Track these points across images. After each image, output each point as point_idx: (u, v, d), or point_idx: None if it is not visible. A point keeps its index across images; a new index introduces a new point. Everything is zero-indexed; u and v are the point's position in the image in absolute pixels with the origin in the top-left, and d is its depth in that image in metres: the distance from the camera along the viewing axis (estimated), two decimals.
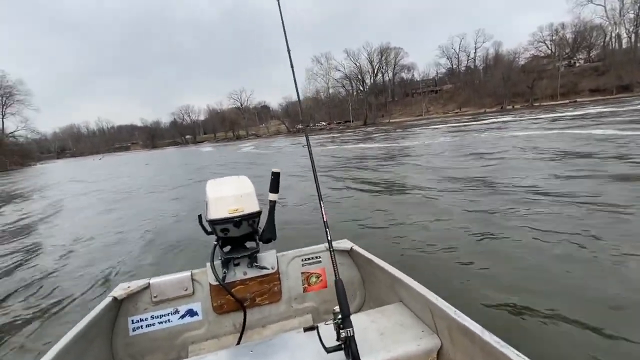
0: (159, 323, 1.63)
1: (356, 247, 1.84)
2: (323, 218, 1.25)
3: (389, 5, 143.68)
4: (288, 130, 77.40)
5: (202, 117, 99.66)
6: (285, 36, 1.70)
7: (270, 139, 52.76)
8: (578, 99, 49.91)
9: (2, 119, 54.51)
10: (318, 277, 1.86)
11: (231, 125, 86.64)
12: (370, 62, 76.01)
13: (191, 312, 1.68)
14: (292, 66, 1.69)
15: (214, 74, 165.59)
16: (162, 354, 1.61)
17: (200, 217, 1.63)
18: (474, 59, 72.04)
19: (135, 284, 1.63)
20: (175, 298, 1.66)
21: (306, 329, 1.15)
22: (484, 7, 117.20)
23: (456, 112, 62.60)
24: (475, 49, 70.55)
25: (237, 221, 1.52)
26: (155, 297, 1.64)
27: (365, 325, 1.30)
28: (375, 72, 77.27)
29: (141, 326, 1.61)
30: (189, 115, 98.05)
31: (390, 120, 66.23)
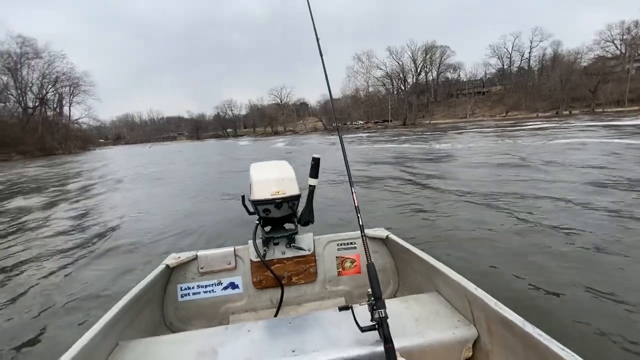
0: (204, 292, 1.78)
1: (392, 236, 1.87)
2: (354, 203, 1.26)
3: (437, 3, 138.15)
4: (325, 127, 77.59)
5: (243, 112, 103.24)
6: (316, 33, 1.75)
7: (306, 136, 53.38)
8: None
9: (70, 107, 60.20)
10: (352, 262, 1.92)
11: (270, 120, 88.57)
12: (414, 61, 73.78)
13: (233, 285, 1.80)
14: (322, 62, 1.74)
15: (257, 70, 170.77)
16: (206, 320, 1.75)
17: (243, 197, 1.73)
18: (529, 60, 67.08)
19: (185, 255, 1.77)
20: (219, 271, 1.80)
21: (341, 308, 1.14)
22: (543, 3, 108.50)
23: (503, 116, 58.76)
24: (531, 49, 65.66)
25: (278, 203, 1.60)
26: (201, 268, 1.78)
27: (399, 310, 1.31)
28: (419, 71, 74.84)
29: (188, 293, 1.76)
30: (231, 110, 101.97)
31: (431, 122, 63.81)
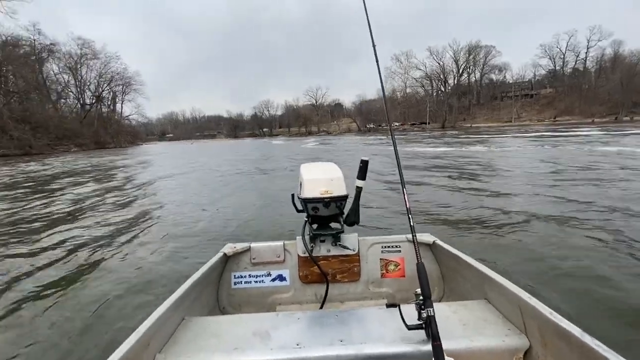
0: (255, 282, 1.87)
1: (439, 242, 1.85)
2: (406, 204, 1.27)
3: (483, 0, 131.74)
4: (359, 128, 77.05)
5: (279, 112, 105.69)
6: (371, 32, 1.77)
7: (339, 137, 53.37)
8: None
9: (122, 104, 65.28)
10: (396, 266, 1.93)
11: (304, 121, 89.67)
12: (456, 61, 70.99)
13: (281, 277, 1.88)
14: (377, 62, 1.74)
15: (294, 71, 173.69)
16: (255, 308, 1.83)
17: (293, 195, 1.82)
18: (585, 60, 61.83)
19: (240, 245, 1.88)
20: (269, 263, 1.88)
21: (388, 306, 1.16)
22: (603, 1, 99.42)
23: (552, 120, 54.66)
24: (588, 49, 60.48)
25: (326, 202, 1.66)
26: (253, 259, 1.88)
27: (446, 314, 1.29)
28: (461, 71, 71.90)
29: (241, 282, 1.86)
30: (267, 110, 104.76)
31: (473, 125, 60.95)
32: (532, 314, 1.13)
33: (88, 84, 59.11)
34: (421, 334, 1.07)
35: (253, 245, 1.89)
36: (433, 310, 1.01)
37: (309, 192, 1.68)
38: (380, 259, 1.93)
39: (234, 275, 1.86)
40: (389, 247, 1.93)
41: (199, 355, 1.11)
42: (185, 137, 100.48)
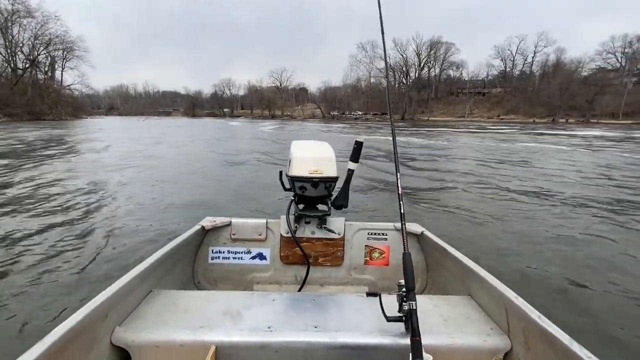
0: (233, 258, 1.84)
1: (427, 232, 1.83)
2: (398, 190, 1.22)
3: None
4: (323, 115, 77.06)
5: (241, 92, 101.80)
6: (381, 18, 1.64)
7: (301, 123, 53.23)
8: None
9: (62, 71, 58.09)
10: (381, 254, 1.90)
11: (268, 103, 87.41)
12: (418, 55, 73.30)
13: (261, 256, 1.85)
14: (384, 49, 1.65)
15: (260, 51, 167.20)
16: (232, 285, 1.80)
17: (281, 173, 1.73)
18: (531, 64, 67.30)
19: (220, 220, 1.82)
20: (250, 240, 1.84)
21: (369, 294, 1.09)
22: (552, 8, 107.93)
23: (501, 119, 59.18)
24: (535, 53, 65.86)
25: (315, 182, 1.60)
26: (233, 234, 1.83)
27: (428, 307, 1.26)
28: (422, 65, 74.48)
29: (219, 257, 1.82)
30: (229, 89, 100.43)
31: (430, 118, 63.89)
32: (517, 314, 1.10)
33: (20, 45, 51.58)
34: (400, 326, 1.04)
35: (234, 220, 1.83)
36: (415, 304, 0.97)
37: (298, 170, 1.61)
38: (366, 245, 1.89)
39: (212, 250, 1.81)
40: (375, 234, 1.89)
41: (161, 330, 1.05)
42: (137, 113, 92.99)
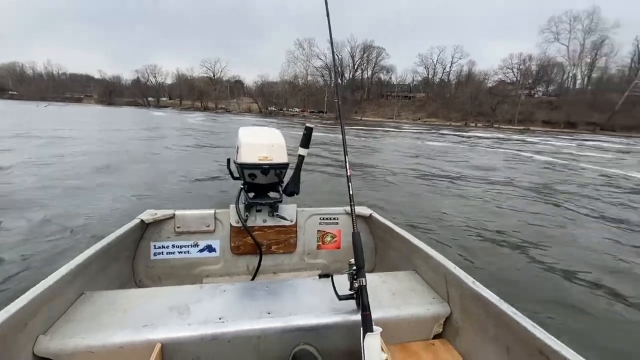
0: (179, 252, 1.74)
1: (375, 215, 1.90)
2: (347, 172, 1.25)
3: (381, 4, 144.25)
4: (260, 110, 75.45)
5: (169, 81, 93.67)
6: (328, 15, 1.59)
7: (236, 117, 51.54)
8: (532, 127, 54.45)
9: None
10: (333, 237, 1.93)
11: (200, 94, 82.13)
12: (352, 57, 76.35)
13: (210, 248, 1.78)
14: (332, 48, 1.64)
15: (191, 38, 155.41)
16: (178, 281, 1.70)
17: (229, 160, 1.68)
18: (449, 73, 75.52)
19: (162, 213, 1.71)
20: (197, 232, 1.76)
21: (321, 276, 1.16)
22: (467, 25, 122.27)
23: (424, 122, 65.22)
24: (452, 64, 73.98)
25: (265, 169, 1.57)
26: (178, 227, 1.73)
27: (376, 284, 1.34)
28: (356, 67, 77.80)
29: (162, 252, 1.71)
30: (154, 76, 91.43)
31: (363, 119, 67.23)
32: (455, 283, 1.20)
33: None
34: (352, 304, 1.08)
35: (178, 212, 1.73)
36: (365, 280, 1.01)
37: (247, 157, 1.56)
38: (318, 230, 1.91)
39: (154, 245, 1.69)
40: (327, 218, 1.91)
41: (96, 334, 0.97)
42: (37, 97, 79.09)
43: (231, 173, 1.69)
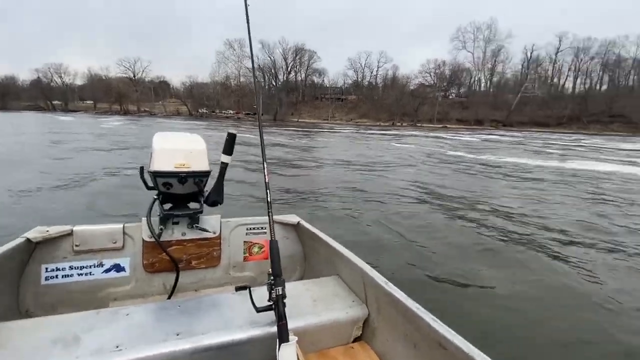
0: (79, 275, 1.52)
1: (303, 222, 1.86)
2: (265, 180, 1.23)
3: (309, 7, 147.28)
4: (190, 112, 71.30)
5: (79, 82, 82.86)
6: (247, 18, 1.57)
7: (163, 120, 48.26)
8: (448, 125, 61.23)
9: None
10: (260, 248, 1.85)
11: (118, 97, 74.27)
12: (285, 59, 76.79)
13: (117, 267, 1.59)
14: (251, 47, 1.60)
15: (104, 34, 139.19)
16: (79, 307, 1.43)
17: (142, 168, 1.52)
18: (376, 77, 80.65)
19: (56, 229, 1.49)
20: (101, 250, 1.56)
21: (238, 289, 1.10)
22: (390, 32, 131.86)
23: (356, 122, 68.68)
24: (378, 68, 79.12)
25: (182, 177, 1.45)
26: (77, 245, 1.51)
27: (299, 293, 1.33)
28: (289, 69, 78.42)
29: (56, 275, 1.48)
30: (60, 76, 79.98)
31: (299, 120, 68.08)
32: (371, 284, 1.21)
33: None
34: (270, 315, 1.02)
35: (78, 228, 1.51)
36: (282, 289, 0.99)
37: (161, 164, 1.44)
38: (244, 241, 1.81)
39: (46, 268, 1.47)
40: (254, 228, 1.82)
41: None
42: None
43: (145, 182, 1.52)
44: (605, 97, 59.39)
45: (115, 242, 1.57)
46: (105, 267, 1.57)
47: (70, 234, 1.51)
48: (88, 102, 79.27)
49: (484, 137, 31.78)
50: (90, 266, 1.54)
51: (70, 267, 1.51)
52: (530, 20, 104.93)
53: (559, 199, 6.88)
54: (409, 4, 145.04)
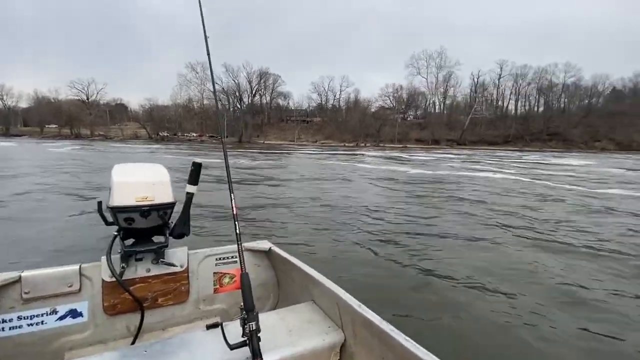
0: (29, 325, 1.39)
1: (274, 248, 1.80)
2: (233, 210, 1.20)
3: (271, 33, 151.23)
4: (149, 136, 68.52)
5: (23, 105, 76.91)
6: (205, 33, 1.57)
7: (120, 144, 46.00)
8: (408, 145, 64.47)
9: None
10: (232, 278, 1.77)
11: (69, 120, 69.71)
12: (249, 82, 77.36)
13: (74, 313, 1.46)
14: (211, 70, 1.59)
15: (53, 55, 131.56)
16: None
17: (100, 203, 1.44)
18: (339, 100, 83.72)
19: (1, 277, 1.35)
20: (55, 296, 1.43)
21: (209, 327, 1.08)
22: (352, 58, 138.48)
23: (322, 144, 70.12)
24: (340, 91, 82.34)
25: (144, 210, 1.38)
26: (26, 293, 1.38)
27: (274, 323, 1.28)
28: (254, 92, 78.91)
29: (2, 328, 1.35)
30: (1, 99, 73.82)
31: (265, 142, 68.05)
32: (346, 309, 1.18)
33: None
34: (245, 351, 0.98)
35: (26, 274, 1.38)
36: (256, 324, 0.96)
37: (121, 198, 1.35)
38: (214, 272, 1.73)
39: None
40: (224, 258, 1.74)
41: None
42: None
43: (103, 218, 1.43)
44: (542, 118, 66.98)
45: (70, 286, 1.45)
46: (59, 314, 1.44)
47: (18, 280, 1.37)
48: (34, 127, 73.37)
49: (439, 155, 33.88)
50: (42, 314, 1.41)
51: (19, 318, 1.37)
52: (476, 47, 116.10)
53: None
54: (367, 30, 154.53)
